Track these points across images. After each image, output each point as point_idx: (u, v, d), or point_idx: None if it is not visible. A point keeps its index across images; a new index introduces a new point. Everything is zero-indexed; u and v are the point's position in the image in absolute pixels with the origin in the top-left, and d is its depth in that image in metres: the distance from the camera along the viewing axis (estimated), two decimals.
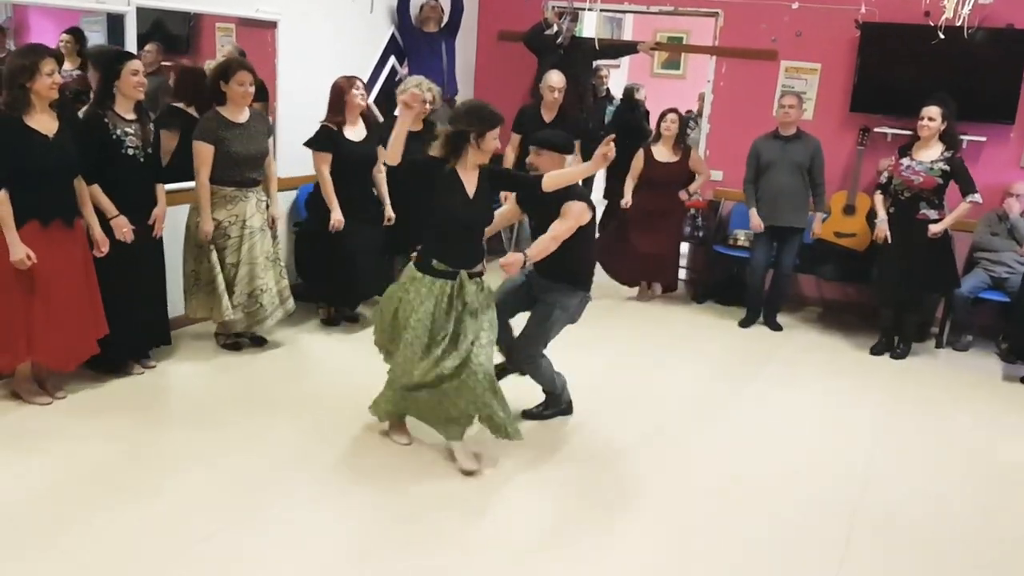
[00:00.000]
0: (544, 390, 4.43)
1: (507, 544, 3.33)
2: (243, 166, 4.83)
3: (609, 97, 7.97)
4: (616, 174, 7.06)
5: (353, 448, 4.04)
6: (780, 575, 3.26)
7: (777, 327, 6.30)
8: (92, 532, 3.22)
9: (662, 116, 6.62)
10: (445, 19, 6.91)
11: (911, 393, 5.24)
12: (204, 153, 4.71)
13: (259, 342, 5.21)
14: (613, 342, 5.74)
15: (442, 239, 3.73)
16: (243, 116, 4.83)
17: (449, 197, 3.67)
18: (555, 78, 6.34)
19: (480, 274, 3.82)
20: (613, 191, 7.39)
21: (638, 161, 6.61)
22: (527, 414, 4.42)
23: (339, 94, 5.27)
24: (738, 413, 4.75)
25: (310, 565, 3.11)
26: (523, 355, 4.27)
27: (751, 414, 4.76)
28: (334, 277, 5.48)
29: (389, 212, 5.59)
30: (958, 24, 4.90)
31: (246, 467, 3.78)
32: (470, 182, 3.71)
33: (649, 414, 4.62)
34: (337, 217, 5.26)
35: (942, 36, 5.24)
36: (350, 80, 5.29)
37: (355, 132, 5.35)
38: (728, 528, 3.56)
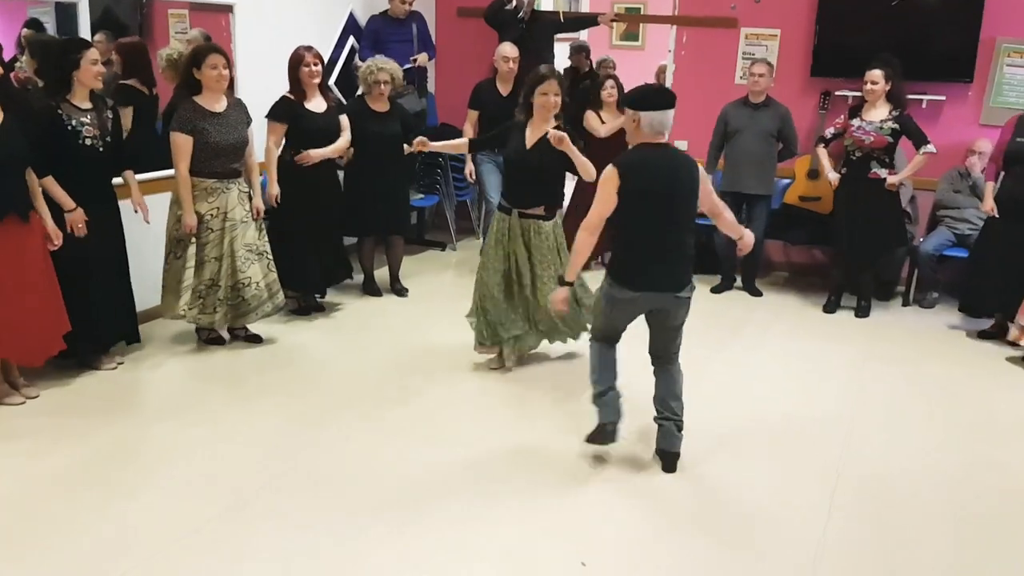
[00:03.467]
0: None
1: (484, 515, 3.35)
2: (223, 156, 4.70)
3: (594, 74, 7.94)
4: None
5: (337, 436, 4.01)
6: (765, 537, 3.31)
7: (758, 292, 6.42)
8: (80, 529, 3.18)
9: (601, 84, 6.65)
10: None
11: (882, 351, 5.33)
12: (182, 145, 4.58)
13: (253, 339, 5.11)
14: None
15: (507, 178, 4.77)
16: (220, 105, 4.70)
17: (512, 145, 4.56)
18: (508, 48, 6.28)
19: (539, 217, 4.56)
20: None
21: (591, 118, 6.58)
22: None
23: (293, 66, 5.19)
24: (713, 377, 4.79)
25: (300, 553, 3.11)
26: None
27: (726, 378, 4.81)
28: (296, 262, 5.36)
29: (312, 155, 5.27)
30: None
31: (228, 459, 3.75)
32: (533, 135, 4.48)
33: (625, 382, 4.64)
34: (273, 191, 5.15)
35: None
36: (307, 51, 5.17)
37: (315, 104, 5.28)
38: (709, 493, 3.60)
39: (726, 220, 3.76)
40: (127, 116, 4.88)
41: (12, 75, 4.64)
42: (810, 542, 3.27)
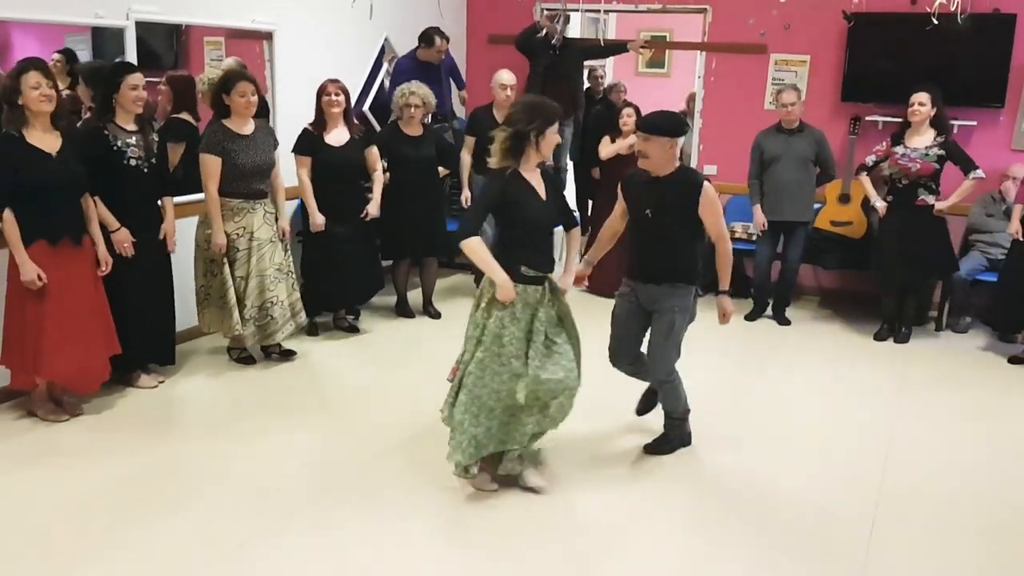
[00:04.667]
0: (668, 414, 4.12)
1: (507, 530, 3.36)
2: (250, 178, 4.82)
3: (607, 100, 8.03)
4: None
5: (375, 455, 4.04)
6: (810, 554, 3.30)
7: (786, 321, 6.33)
8: (129, 545, 3.22)
9: (619, 111, 6.69)
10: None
11: (917, 375, 5.31)
12: (211, 165, 4.70)
13: (287, 355, 5.18)
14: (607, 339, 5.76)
15: (525, 244, 3.57)
16: (248, 128, 4.83)
17: (526, 201, 3.53)
18: (505, 76, 6.26)
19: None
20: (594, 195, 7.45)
21: (606, 145, 6.64)
22: (650, 448, 4.11)
23: (318, 97, 5.33)
24: (753, 403, 4.79)
25: (345, 569, 3.13)
26: (661, 375, 3.98)
27: (766, 403, 4.81)
28: (315, 284, 5.48)
29: (371, 209, 5.53)
30: (951, 9, 4.98)
31: (270, 476, 3.78)
32: (537, 182, 3.59)
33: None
34: (317, 221, 5.29)
35: (936, 22, 5.32)
36: (331, 83, 5.30)
37: (336, 136, 5.35)
38: (755, 513, 3.60)
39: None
40: (176, 152, 4.96)
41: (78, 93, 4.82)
42: (854, 560, 3.26)
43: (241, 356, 5.11)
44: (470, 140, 6.36)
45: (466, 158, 6.34)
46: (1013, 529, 3.56)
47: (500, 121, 6.27)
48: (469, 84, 7.54)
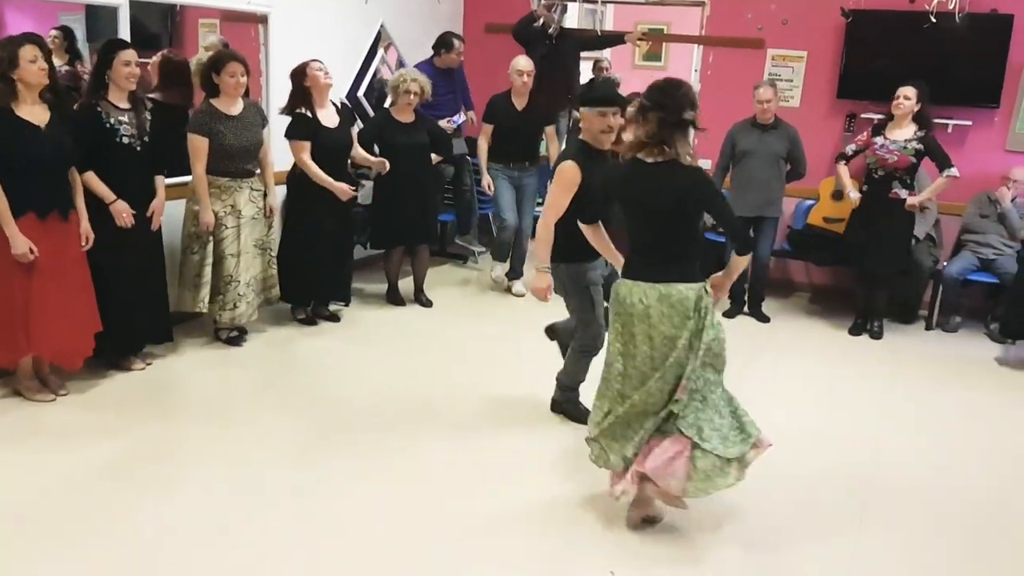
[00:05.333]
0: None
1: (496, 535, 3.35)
2: (237, 158, 4.84)
3: None
4: None
5: (363, 441, 4.03)
6: (799, 547, 3.30)
7: (764, 318, 6.28)
8: (116, 526, 3.20)
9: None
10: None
11: (906, 372, 5.32)
12: (199, 146, 4.71)
13: (241, 333, 5.17)
14: None
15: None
16: (236, 108, 4.83)
17: (628, 189, 3.31)
18: (523, 62, 6.21)
19: None
20: None
21: None
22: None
23: (299, 76, 5.20)
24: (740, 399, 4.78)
25: (329, 554, 3.11)
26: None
27: (752, 399, 4.78)
28: (303, 273, 5.38)
29: (372, 160, 5.56)
30: (949, 8, 4.98)
31: (258, 459, 3.77)
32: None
33: None
34: (343, 187, 5.23)
35: (934, 20, 5.31)
36: (312, 61, 5.22)
37: (328, 117, 5.30)
38: (742, 508, 3.58)
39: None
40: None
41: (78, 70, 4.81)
42: (840, 558, 3.27)
43: (229, 336, 5.10)
44: (488, 128, 6.32)
45: (483, 145, 6.31)
46: (1000, 527, 3.58)
47: (518, 108, 6.30)
48: (466, 73, 7.50)
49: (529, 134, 6.35)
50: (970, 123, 6.29)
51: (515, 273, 6.54)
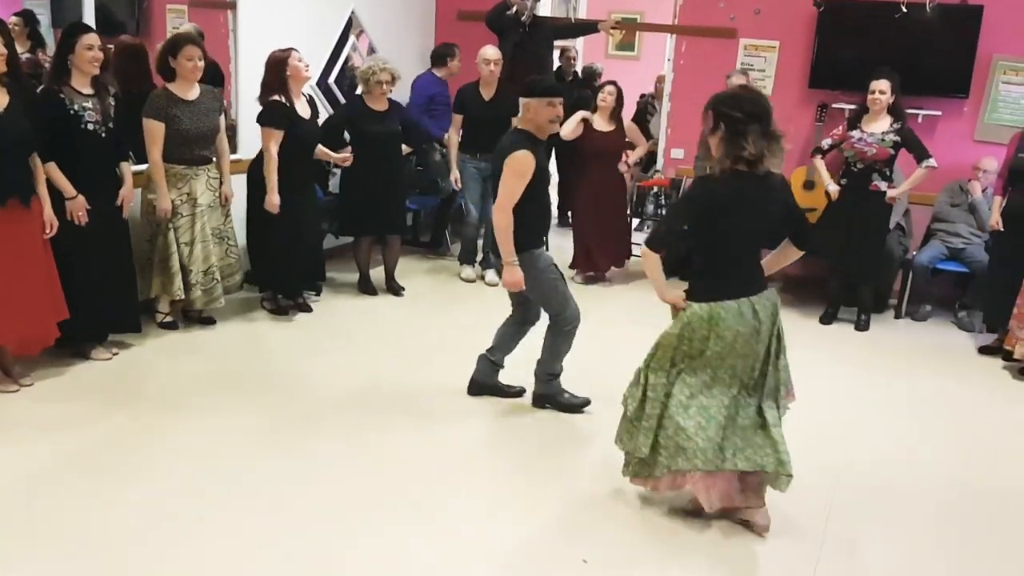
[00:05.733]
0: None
1: (479, 527, 3.34)
2: (193, 144, 4.78)
3: (578, 80, 8.01)
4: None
5: (333, 431, 3.99)
6: (768, 540, 3.31)
7: None
8: (85, 518, 3.15)
9: (600, 88, 6.64)
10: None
11: (876, 362, 5.36)
12: (155, 131, 4.64)
13: (209, 322, 5.15)
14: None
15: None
16: (193, 93, 4.77)
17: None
18: (490, 51, 6.22)
19: None
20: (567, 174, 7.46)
21: (576, 123, 6.51)
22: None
23: (279, 66, 5.08)
24: None
25: (301, 543, 3.08)
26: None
27: None
28: (279, 264, 5.33)
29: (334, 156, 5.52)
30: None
31: (226, 449, 3.72)
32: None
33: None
34: (274, 200, 5.06)
35: (905, 11, 5.34)
36: (287, 50, 5.13)
37: (303, 108, 5.24)
38: None
39: None
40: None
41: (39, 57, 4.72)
42: (809, 550, 3.28)
43: (165, 320, 5.03)
44: (457, 118, 6.29)
45: (454, 137, 6.28)
46: (966, 513, 3.61)
47: (486, 98, 6.26)
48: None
49: (497, 124, 6.31)
50: (939, 113, 6.34)
51: (488, 263, 6.52)
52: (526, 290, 4.05)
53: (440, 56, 6.74)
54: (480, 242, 6.59)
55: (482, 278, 6.49)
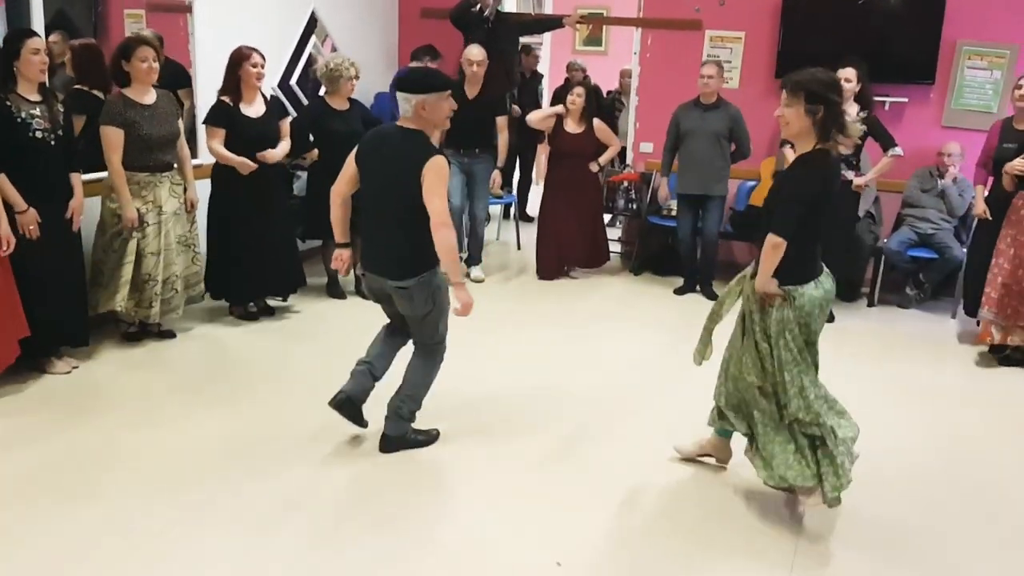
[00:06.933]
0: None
1: (458, 521, 3.27)
2: (156, 149, 4.65)
3: (538, 76, 7.97)
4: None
5: (296, 441, 3.90)
6: (744, 533, 3.27)
7: (713, 295, 6.31)
8: (40, 533, 3.05)
9: (568, 91, 6.62)
10: None
11: (848, 351, 5.32)
12: (113, 138, 4.50)
13: (168, 335, 5.01)
14: (553, 318, 5.69)
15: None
16: (150, 97, 4.65)
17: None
18: (475, 52, 6.20)
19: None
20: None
21: (550, 114, 6.56)
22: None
23: (235, 64, 5.01)
24: (687, 378, 4.74)
25: (260, 557, 3.00)
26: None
27: (703, 378, 4.77)
28: (233, 270, 5.21)
29: (267, 155, 5.10)
30: None
31: (185, 462, 3.62)
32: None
33: (600, 386, 4.59)
34: (244, 160, 4.95)
35: None
36: (250, 50, 5.03)
37: (252, 108, 5.12)
38: (688, 490, 3.56)
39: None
40: (79, 123, 4.67)
41: None
42: (786, 542, 3.24)
43: (129, 331, 4.91)
44: None
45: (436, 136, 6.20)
46: (939, 502, 3.60)
47: (469, 96, 6.19)
48: (402, 59, 7.39)
49: (480, 122, 6.29)
50: (906, 100, 6.34)
51: (473, 260, 6.52)
52: (424, 310, 3.64)
53: (419, 58, 6.66)
54: (466, 240, 6.60)
55: (467, 275, 6.44)
